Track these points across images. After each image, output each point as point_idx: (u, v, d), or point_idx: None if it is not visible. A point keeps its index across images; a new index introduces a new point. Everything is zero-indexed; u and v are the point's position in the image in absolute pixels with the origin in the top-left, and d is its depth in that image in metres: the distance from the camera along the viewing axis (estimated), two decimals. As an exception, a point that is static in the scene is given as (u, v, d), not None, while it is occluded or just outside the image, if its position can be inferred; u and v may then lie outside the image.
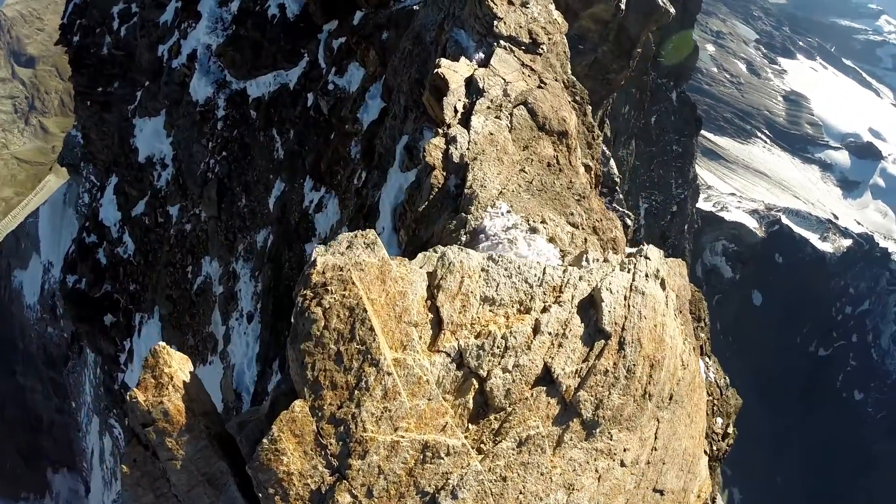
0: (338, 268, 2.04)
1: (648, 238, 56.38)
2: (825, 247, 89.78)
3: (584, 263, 2.22)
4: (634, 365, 2.07)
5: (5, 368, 32.96)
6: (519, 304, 2.03)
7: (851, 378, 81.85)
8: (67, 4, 20.16)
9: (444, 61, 4.74)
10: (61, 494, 32.40)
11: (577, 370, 1.98)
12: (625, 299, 2.10)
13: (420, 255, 2.14)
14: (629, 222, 29.02)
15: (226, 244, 12.53)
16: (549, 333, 1.99)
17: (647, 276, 2.23)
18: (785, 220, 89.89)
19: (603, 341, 2.03)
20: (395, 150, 5.62)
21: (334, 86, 9.95)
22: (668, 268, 2.59)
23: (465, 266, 2.00)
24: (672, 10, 46.06)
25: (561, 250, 3.10)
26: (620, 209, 28.98)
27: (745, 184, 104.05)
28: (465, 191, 3.47)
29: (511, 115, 4.26)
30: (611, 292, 2.09)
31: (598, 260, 2.25)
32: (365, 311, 2.00)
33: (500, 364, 1.93)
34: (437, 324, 2.00)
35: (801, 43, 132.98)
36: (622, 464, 1.97)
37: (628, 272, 2.22)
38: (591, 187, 5.26)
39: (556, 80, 5.49)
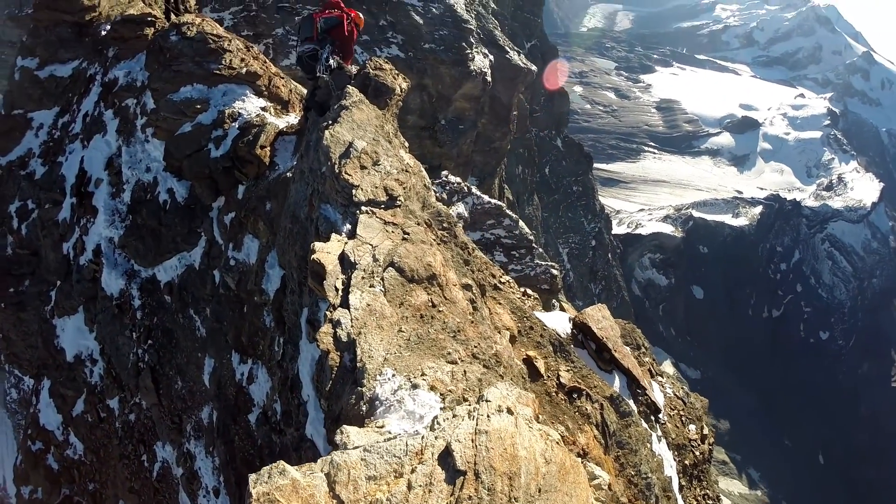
0: (265, 493, 2.84)
1: (579, 277, 58.86)
2: (740, 221, 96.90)
3: (436, 424, 3.03)
4: (493, 484, 2.87)
5: None
6: (394, 473, 2.83)
7: (811, 323, 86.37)
8: None
9: (317, 245, 5.63)
10: None
11: (448, 503, 2.78)
12: (472, 442, 2.93)
13: (319, 461, 2.93)
14: (555, 272, 30.60)
15: (173, 427, 12.51)
16: (420, 485, 2.79)
17: (489, 416, 3.07)
18: (696, 214, 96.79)
19: (462, 477, 2.84)
20: (300, 324, 6.35)
21: (235, 261, 10.66)
22: (518, 392, 3.45)
23: (348, 462, 2.81)
24: (534, 67, 50.42)
25: (441, 394, 3.92)
26: (543, 263, 30.58)
27: (649, 196, 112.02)
28: (358, 364, 4.25)
29: (383, 279, 5.15)
30: (459, 441, 2.91)
31: (448, 418, 3.07)
32: None
33: None
34: None
35: (655, 56, 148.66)
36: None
37: (473, 419, 3.05)
38: (472, 306, 6.19)
39: (418, 223, 6.51)
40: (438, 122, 31.76)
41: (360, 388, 3.98)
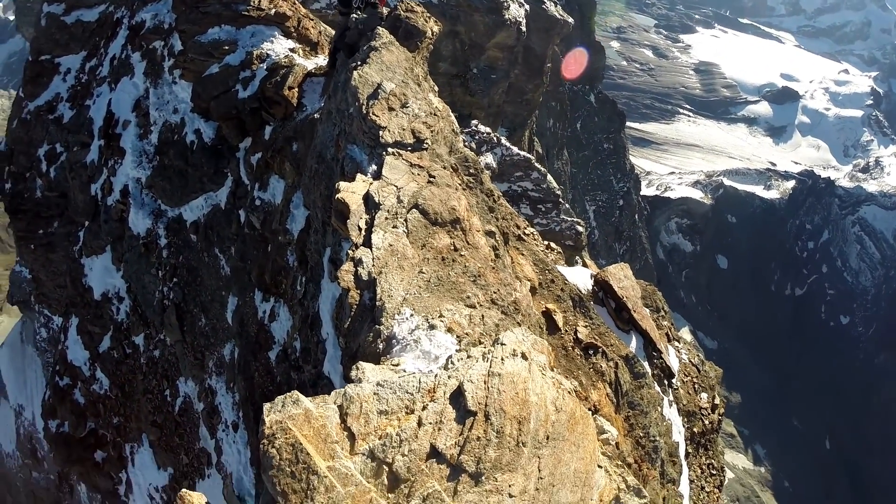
0: (277, 422, 2.85)
1: (604, 236, 58.19)
2: (771, 194, 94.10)
3: (450, 364, 2.98)
4: (502, 427, 2.84)
5: (-1, 525, 31.54)
6: (405, 409, 2.81)
7: (833, 306, 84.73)
8: None
9: (342, 184, 5.55)
10: None
11: (456, 442, 2.76)
12: (484, 383, 2.88)
13: (333, 393, 2.91)
14: (580, 228, 30.21)
15: (196, 363, 12.90)
16: (430, 423, 2.78)
17: (502, 359, 3.01)
18: (727, 182, 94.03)
19: (472, 418, 2.81)
20: (322, 263, 6.34)
21: (261, 201, 10.67)
22: (534, 339, 3.38)
23: (361, 395, 2.79)
24: (570, 19, 48.42)
25: (457, 336, 3.88)
26: (569, 218, 30.17)
27: (680, 160, 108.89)
28: (377, 303, 4.22)
29: (406, 220, 5.07)
30: (472, 382, 2.87)
31: (462, 359, 3.02)
32: (301, 443, 2.78)
33: (399, 451, 2.72)
34: (352, 437, 2.80)
35: (696, 16, 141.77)
36: (510, 496, 2.71)
37: (487, 361, 2.99)
38: (494, 252, 6.09)
39: (444, 167, 6.36)
40: (470, 70, 30.94)
41: (377, 327, 3.96)
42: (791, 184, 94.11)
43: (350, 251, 4.78)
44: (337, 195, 5.37)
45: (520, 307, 4.98)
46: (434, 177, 5.87)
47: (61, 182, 17.36)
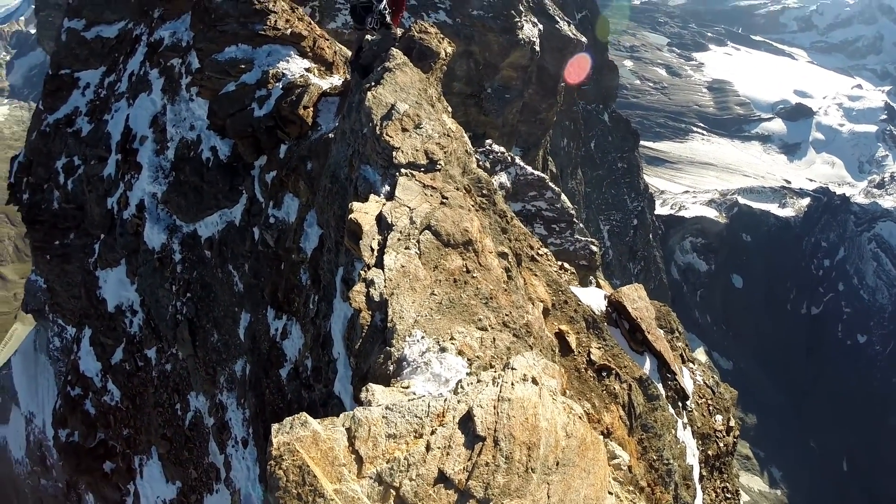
0: (285, 443, 2.85)
1: (618, 256, 57.84)
2: (786, 212, 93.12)
3: (460, 388, 2.97)
4: (511, 452, 2.81)
5: (7, 531, 31.65)
6: (414, 433, 2.80)
7: (850, 325, 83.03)
8: (12, 164, 20.89)
9: (355, 205, 5.60)
10: None
11: (464, 467, 2.73)
12: (494, 408, 2.87)
13: (342, 415, 2.91)
14: (594, 248, 30.09)
15: (207, 378, 12.96)
16: (438, 447, 2.76)
17: (513, 384, 3.00)
18: (742, 201, 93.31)
19: (481, 443, 2.80)
20: (335, 283, 6.37)
21: (275, 219, 10.79)
22: (545, 363, 3.36)
23: (369, 418, 2.79)
24: (584, 38, 48.73)
25: (468, 359, 3.87)
26: (583, 238, 30.07)
27: (695, 179, 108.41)
28: (388, 324, 4.23)
29: (418, 241, 5.09)
30: (481, 407, 2.86)
31: (472, 383, 3.01)
32: (308, 465, 2.79)
33: (406, 475, 2.71)
34: (359, 460, 2.80)
35: (709, 34, 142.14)
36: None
37: (497, 386, 2.98)
38: (507, 274, 6.09)
39: (457, 188, 6.40)
40: (484, 90, 31.20)
41: (388, 348, 3.96)
42: (806, 201, 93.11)
43: (362, 271, 4.81)
44: (350, 215, 5.41)
45: (532, 330, 4.96)
46: (447, 198, 5.90)
47: (78, 195, 17.68)
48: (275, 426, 3.02)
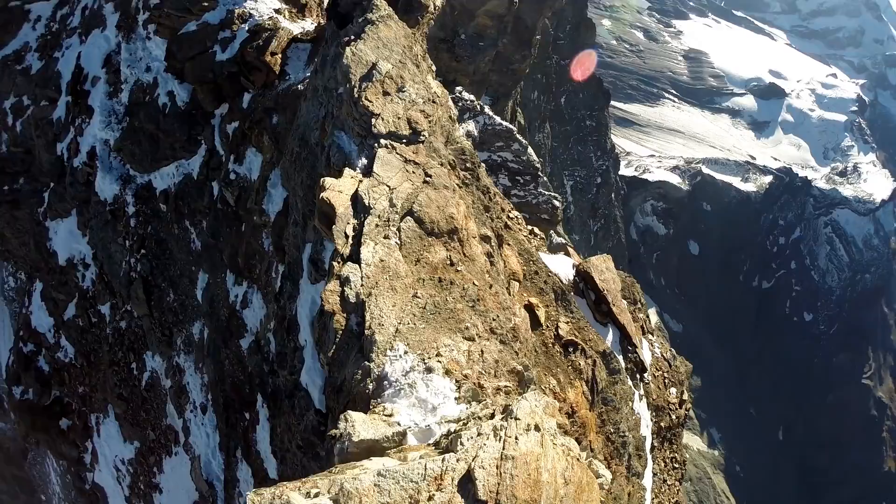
0: None
1: (579, 212, 58.14)
2: (748, 187, 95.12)
3: (459, 445, 2.55)
4: None
5: (-37, 476, 30.90)
6: (409, 500, 2.37)
7: (798, 302, 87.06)
8: None
9: (327, 181, 4.98)
10: None
11: None
12: (496, 468, 2.46)
13: (326, 481, 2.47)
14: (557, 203, 30.11)
15: (164, 340, 12.31)
16: None
17: (517, 437, 2.60)
18: (706, 170, 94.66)
19: None
20: (301, 260, 5.80)
21: (236, 175, 9.97)
22: (545, 402, 2.97)
23: (360, 489, 2.36)
24: (565, -9, 46.58)
25: (456, 380, 3.44)
26: (547, 192, 29.97)
27: (661, 144, 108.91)
28: (366, 331, 3.74)
29: (399, 230, 4.55)
30: (483, 468, 2.44)
31: (472, 437, 2.59)
32: None
33: None
34: None
35: (691, 3, 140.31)
36: None
37: (499, 440, 2.57)
38: (489, 260, 5.64)
39: (441, 164, 5.82)
40: (458, 35, 29.96)
41: (367, 364, 3.50)
42: (768, 179, 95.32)
43: (335, 263, 4.26)
44: (322, 194, 4.81)
45: (518, 334, 4.57)
46: (431, 176, 5.34)
47: (28, 138, 16.20)
48: (251, 497, 2.53)
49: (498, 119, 27.15)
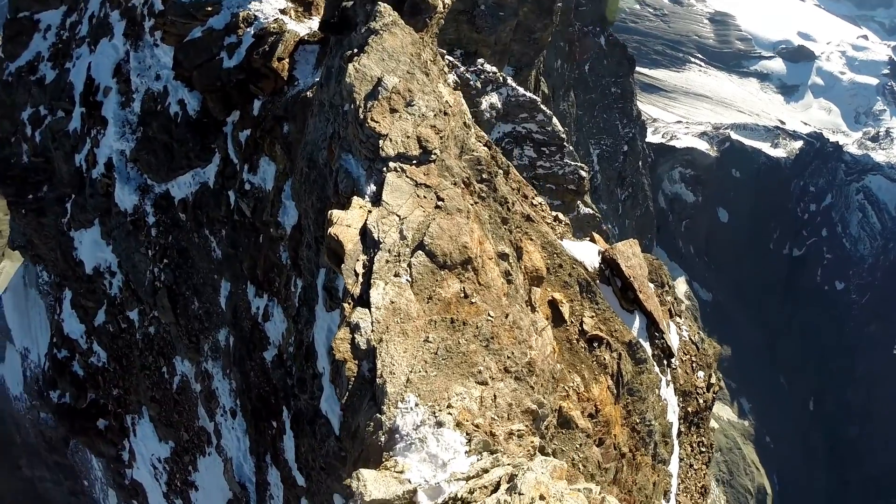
0: None
1: (606, 181, 57.16)
2: (778, 153, 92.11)
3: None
4: None
5: (10, 465, 32.58)
6: None
7: (829, 271, 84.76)
8: None
9: (335, 214, 4.89)
10: None
11: None
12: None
13: None
14: (583, 173, 29.68)
15: (191, 346, 12.55)
16: None
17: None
18: (734, 136, 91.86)
19: None
20: (316, 286, 5.77)
21: (251, 185, 9.96)
22: (552, 466, 2.89)
23: None
24: (588, -42, 45.33)
25: (467, 433, 3.38)
26: (573, 163, 29.51)
27: (688, 109, 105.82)
28: (378, 379, 3.69)
29: (410, 266, 4.46)
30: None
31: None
32: None
33: None
34: None
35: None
36: None
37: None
38: (506, 279, 5.52)
39: (454, 183, 5.67)
40: (478, 6, 29.35)
41: (379, 416, 3.45)
42: (798, 144, 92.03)
43: (346, 305, 4.20)
44: (330, 229, 4.72)
45: (534, 368, 4.46)
46: (443, 200, 5.21)
47: (47, 147, 16.51)
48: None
49: (521, 90, 26.68)
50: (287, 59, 10.75)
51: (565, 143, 27.95)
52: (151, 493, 16.60)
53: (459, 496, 2.80)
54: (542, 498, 2.69)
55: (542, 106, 27.45)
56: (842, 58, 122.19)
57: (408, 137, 5.84)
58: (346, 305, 4.22)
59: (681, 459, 10.00)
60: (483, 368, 3.94)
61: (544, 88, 40.24)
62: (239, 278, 10.23)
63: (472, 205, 5.73)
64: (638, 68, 74.95)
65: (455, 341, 4.01)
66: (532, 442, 3.96)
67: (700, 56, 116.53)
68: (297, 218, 8.02)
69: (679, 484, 10.06)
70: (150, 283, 12.83)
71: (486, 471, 3.13)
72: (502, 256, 5.92)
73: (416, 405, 3.51)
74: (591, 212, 32.82)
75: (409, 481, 3.10)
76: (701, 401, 10.60)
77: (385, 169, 5.41)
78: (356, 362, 3.86)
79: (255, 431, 10.38)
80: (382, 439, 3.44)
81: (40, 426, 30.12)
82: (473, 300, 4.59)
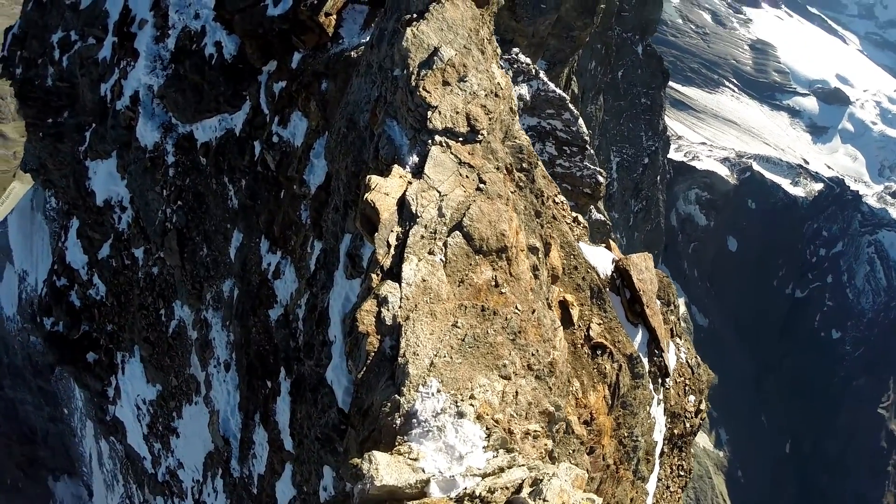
0: None
1: (622, 190, 56.75)
2: (797, 191, 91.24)
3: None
4: None
5: (-7, 384, 32.85)
6: None
7: (828, 318, 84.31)
8: (5, 36, 19.45)
9: (374, 181, 4.69)
10: (65, 501, 32.89)
11: None
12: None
13: None
14: (601, 179, 29.46)
15: (193, 292, 12.41)
16: None
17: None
18: (756, 167, 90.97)
19: None
20: (338, 251, 5.57)
21: (279, 138, 9.70)
22: (575, 474, 2.74)
23: None
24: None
25: (486, 427, 3.22)
26: (592, 167, 29.27)
27: (714, 132, 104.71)
28: (399, 359, 3.51)
29: (445, 245, 4.26)
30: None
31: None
32: None
33: None
34: None
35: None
36: None
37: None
38: (533, 273, 5.33)
39: (497, 168, 5.46)
40: None
41: (398, 397, 3.27)
42: (819, 186, 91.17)
43: (374, 276, 4.01)
44: (367, 195, 4.52)
45: (555, 368, 4.30)
46: (485, 182, 5.00)
47: (74, 72, 16.24)
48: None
49: (552, 85, 26.29)
50: (335, 16, 10.43)
51: (588, 146, 27.64)
52: (131, 433, 16.61)
53: (478, 494, 2.63)
54: (565, 508, 2.53)
55: (570, 105, 27.07)
56: (876, 107, 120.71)
57: (457, 113, 5.61)
58: (373, 276, 4.03)
59: (659, 479, 9.99)
60: (508, 362, 3.76)
61: (574, 88, 39.72)
62: (253, 231, 10.04)
63: (511, 192, 5.52)
64: (671, 83, 74.16)
65: (484, 330, 3.83)
66: (545, 444, 3.81)
67: (735, 81, 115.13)
68: (325, 178, 7.81)
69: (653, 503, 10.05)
70: (160, 223, 12.66)
71: (502, 469, 2.97)
72: (532, 250, 5.73)
73: (438, 391, 3.33)
74: (603, 218, 32.54)
75: (423, 470, 2.94)
76: (688, 425, 10.58)
77: (430, 142, 5.19)
78: (378, 337, 3.68)
79: (248, 388, 10.28)
80: (398, 422, 3.27)
81: (28, 349, 30.26)
82: (503, 290, 4.40)
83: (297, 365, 6.74)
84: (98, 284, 15.63)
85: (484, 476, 2.93)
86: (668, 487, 10.65)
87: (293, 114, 10.04)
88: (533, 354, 4.05)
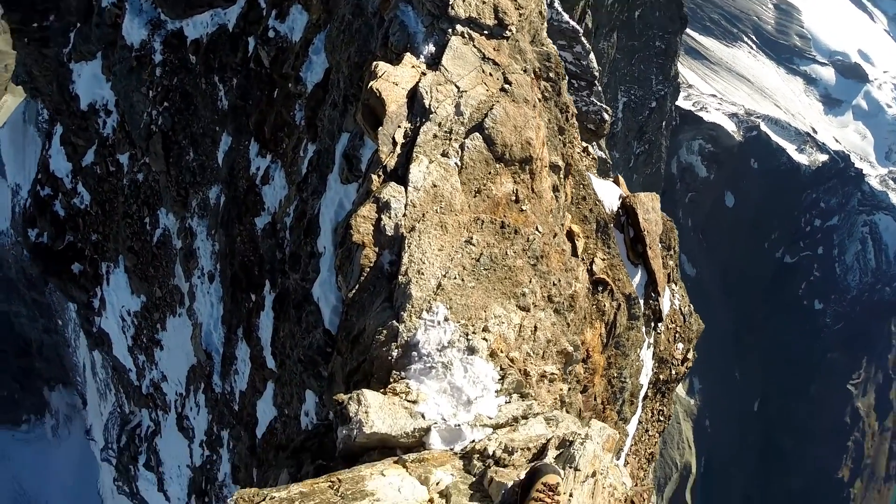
0: None
1: (625, 131, 55.56)
2: (801, 158, 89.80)
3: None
4: None
5: (-13, 298, 32.88)
6: None
7: (813, 288, 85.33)
8: None
9: (381, 67, 3.93)
10: (60, 410, 33.81)
11: None
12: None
13: None
14: (607, 117, 28.73)
15: (179, 200, 11.71)
16: None
17: (571, 494, 1.90)
18: (764, 127, 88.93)
19: None
20: (334, 151, 4.87)
21: (275, 32, 8.71)
22: (607, 435, 2.25)
23: None
24: None
25: (500, 367, 2.66)
26: (599, 103, 28.44)
27: (726, 86, 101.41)
28: (400, 276, 2.91)
29: (462, 147, 3.58)
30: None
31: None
32: None
33: None
34: None
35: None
36: None
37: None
38: (553, 194, 4.71)
39: (524, 70, 4.69)
40: None
41: (395, 324, 2.69)
42: (823, 157, 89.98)
43: (374, 177, 3.35)
44: (371, 83, 3.78)
45: (575, 303, 3.76)
46: (510, 84, 4.27)
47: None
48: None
49: (566, 16, 25.18)
50: None
51: (596, 83, 26.63)
52: (117, 345, 16.41)
53: (491, 452, 2.09)
54: (593, 475, 2.04)
55: (583, 38, 25.84)
56: (893, 90, 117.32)
57: (483, 3, 4.77)
58: (374, 177, 3.36)
59: (639, 422, 10.03)
60: (528, 291, 3.19)
61: (589, 22, 37.89)
62: (242, 133, 9.23)
63: (538, 99, 4.78)
64: (688, 30, 71.30)
65: (502, 251, 3.22)
66: (560, 389, 3.30)
67: (754, 38, 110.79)
68: (323, 76, 6.97)
69: (632, 446, 10.10)
70: (145, 126, 11.77)
71: (517, 420, 2.44)
72: (553, 168, 5.07)
73: (446, 319, 2.75)
74: (604, 156, 31.94)
75: (423, 416, 2.40)
76: (674, 371, 10.57)
77: (451, 31, 4.40)
78: (376, 250, 3.06)
79: (231, 301, 9.82)
80: (395, 354, 2.71)
81: (22, 263, 29.94)
82: (524, 207, 3.77)
83: (282, 278, 6.19)
84: (83, 193, 14.92)
85: (496, 427, 2.40)
86: (647, 431, 10.68)
87: (292, 7, 9.01)
88: (554, 284, 3.47)
